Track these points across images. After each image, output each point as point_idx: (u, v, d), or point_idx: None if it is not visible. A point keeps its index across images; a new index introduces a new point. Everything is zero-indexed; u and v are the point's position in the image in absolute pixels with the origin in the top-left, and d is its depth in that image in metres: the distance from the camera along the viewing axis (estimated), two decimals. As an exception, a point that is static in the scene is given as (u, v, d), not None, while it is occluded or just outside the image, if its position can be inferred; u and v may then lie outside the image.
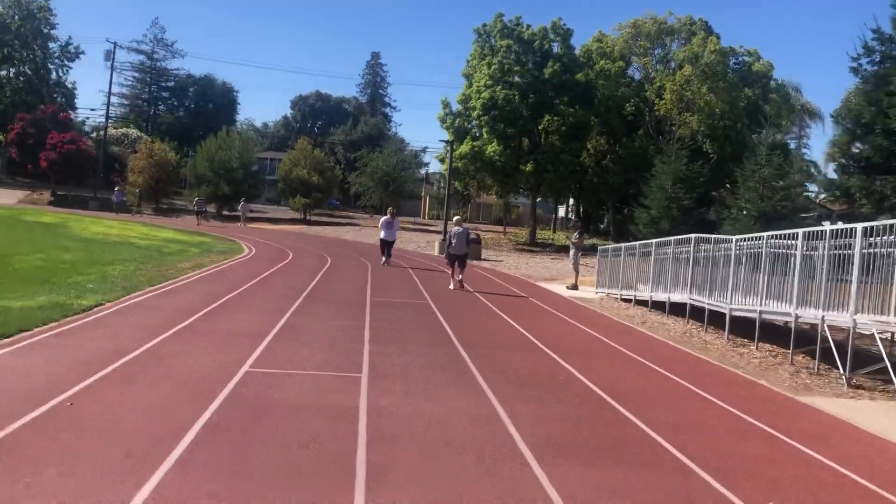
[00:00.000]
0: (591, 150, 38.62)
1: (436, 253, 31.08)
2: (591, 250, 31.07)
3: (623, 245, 16.18)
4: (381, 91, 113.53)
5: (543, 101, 35.34)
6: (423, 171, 73.41)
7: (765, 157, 24.98)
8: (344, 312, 11.05)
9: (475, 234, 30.75)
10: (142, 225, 34.00)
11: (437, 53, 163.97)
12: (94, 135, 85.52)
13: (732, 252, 11.08)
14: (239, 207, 50.03)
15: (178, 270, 15.49)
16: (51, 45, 79.66)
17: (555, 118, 36.46)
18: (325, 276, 17.17)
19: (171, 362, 6.80)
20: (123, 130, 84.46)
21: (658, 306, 14.45)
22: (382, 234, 21.59)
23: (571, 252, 19.15)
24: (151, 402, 5.47)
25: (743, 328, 11.14)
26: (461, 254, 16.43)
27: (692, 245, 12.65)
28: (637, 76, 40.80)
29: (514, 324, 11.29)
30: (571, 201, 63.69)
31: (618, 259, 16.80)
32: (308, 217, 54.62)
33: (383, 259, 21.15)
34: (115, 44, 76.03)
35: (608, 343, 10.22)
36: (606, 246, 18.74)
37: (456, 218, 18.09)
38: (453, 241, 16.44)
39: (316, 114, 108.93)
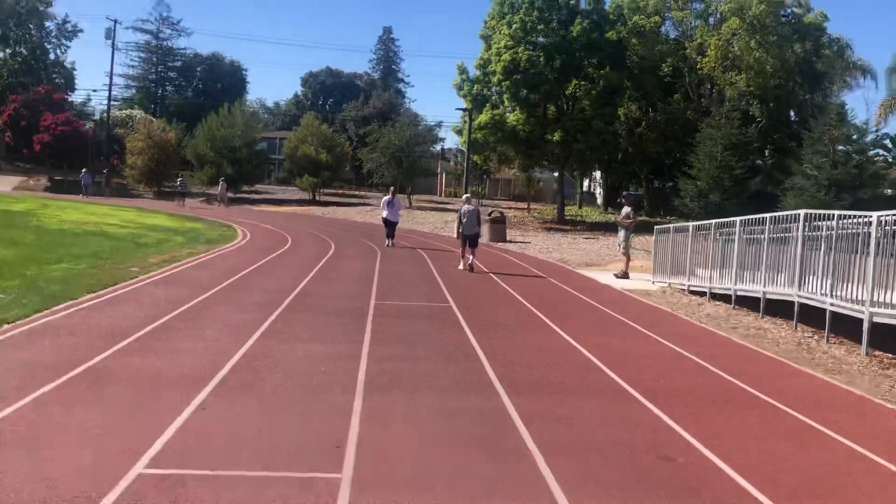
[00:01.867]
0: (622, 117, 35.27)
1: (455, 235, 28.11)
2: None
3: (691, 224, 13.12)
4: (394, 67, 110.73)
5: (571, 63, 32.00)
6: (438, 147, 70.21)
7: (835, 118, 21.69)
8: (336, 330, 8.14)
9: (499, 213, 27.78)
10: (132, 210, 31.29)
11: (451, 25, 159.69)
12: (96, 117, 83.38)
13: (873, 233, 8.00)
14: (219, 188, 47.50)
15: (142, 268, 12.68)
16: (48, 24, 77.06)
17: (583, 82, 33.16)
18: (324, 268, 14.27)
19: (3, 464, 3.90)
20: (128, 112, 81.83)
21: (742, 302, 11.42)
22: (384, 214, 21.10)
23: (621, 234, 16.09)
24: None
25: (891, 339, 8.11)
26: (472, 233, 15.58)
27: (800, 223, 9.56)
28: (673, 34, 37.29)
29: (569, 339, 8.33)
30: (598, 174, 60.37)
31: (682, 241, 13.74)
32: (317, 197, 51.76)
33: (387, 241, 20.69)
34: (115, 21, 73.03)
35: (720, 375, 7.22)
36: (666, 225, 15.67)
37: (466, 196, 17.16)
38: (464, 220, 15.58)
39: (327, 91, 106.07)
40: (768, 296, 10.44)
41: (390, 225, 20.97)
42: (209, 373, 5.90)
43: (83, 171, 47.71)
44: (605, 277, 15.67)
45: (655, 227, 15.58)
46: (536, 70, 31.48)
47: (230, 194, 51.81)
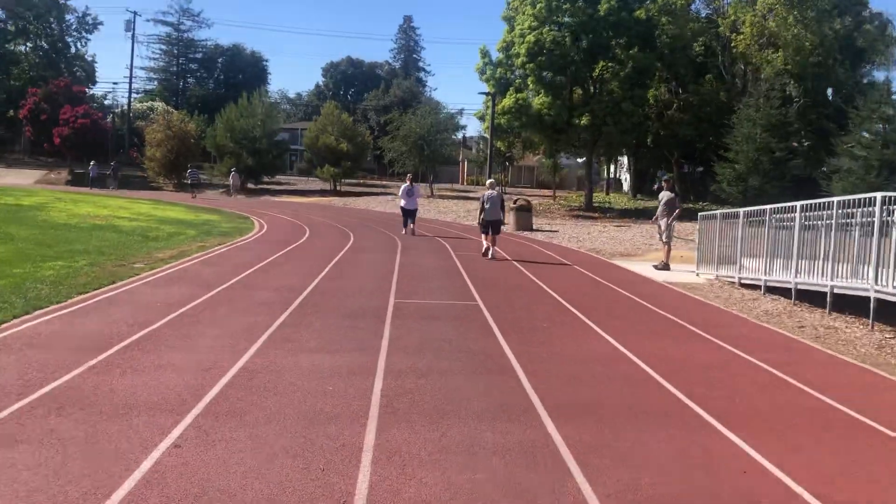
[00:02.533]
0: (651, 99, 33.84)
1: (477, 222, 27.04)
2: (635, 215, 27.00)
3: (742, 210, 11.91)
4: (414, 56, 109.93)
5: (598, 43, 30.65)
6: (459, 135, 69.03)
7: (885, 95, 20.27)
8: (349, 336, 7.13)
9: (524, 201, 26.65)
10: (148, 203, 30.59)
11: (471, 10, 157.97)
12: (117, 110, 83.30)
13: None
14: (230, 178, 47.01)
15: (147, 264, 11.82)
16: (68, 17, 76.84)
17: (610, 64, 31.79)
18: (341, 262, 13.29)
19: None
20: (149, 104, 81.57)
21: (804, 296, 10.24)
22: (402, 203, 20.67)
23: (662, 222, 14.90)
24: None
25: None
26: (495, 219, 15.28)
27: (877, 207, 8.36)
28: (703, 12, 35.70)
29: (616, 344, 7.26)
30: (624, 160, 58.81)
31: (731, 229, 12.53)
32: (338, 187, 50.91)
33: (404, 230, 20.47)
34: (135, 13, 73.14)
35: (803, 390, 6.11)
36: (712, 211, 14.45)
37: (489, 181, 16.84)
38: (487, 206, 15.22)
39: (348, 81, 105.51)
40: (836, 290, 9.26)
41: (409, 213, 20.59)
42: (193, 396, 4.93)
43: (91, 163, 47.16)
44: (644, 269, 14.53)
45: (699, 214, 14.37)
46: (562, 51, 30.18)
47: (251, 185, 51.27)
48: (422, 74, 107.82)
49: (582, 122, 29.59)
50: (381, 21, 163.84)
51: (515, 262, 14.61)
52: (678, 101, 34.64)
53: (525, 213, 25.07)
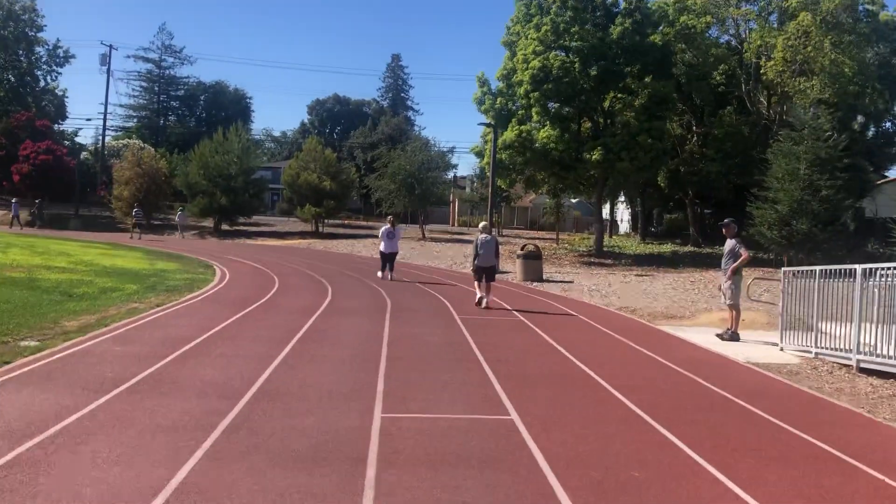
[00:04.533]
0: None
1: (470, 269, 23.88)
2: (655, 262, 23.74)
3: (858, 267, 8.79)
4: (402, 94, 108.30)
5: (610, 70, 27.91)
6: (451, 174, 66.34)
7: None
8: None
9: (533, 247, 23.59)
10: (101, 248, 27.26)
11: (461, 48, 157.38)
12: (90, 147, 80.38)
13: None
14: (176, 216, 44.96)
15: (42, 339, 8.65)
16: (38, 49, 74.12)
17: (619, 94, 29.10)
18: (309, 335, 10.03)
19: None
20: (125, 142, 78.63)
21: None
22: (382, 246, 19.73)
23: (726, 283, 11.72)
24: None
25: None
26: (490, 266, 14.40)
27: None
28: (724, 37, 33.19)
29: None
30: (621, 200, 56.00)
31: (839, 290, 9.36)
32: (321, 229, 47.74)
33: (380, 273, 19.70)
34: (110, 46, 70.57)
35: None
36: (798, 268, 11.31)
37: (482, 224, 15.56)
38: (480, 252, 14.43)
39: (335, 118, 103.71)
40: None
41: (388, 258, 19.62)
42: None
43: (13, 200, 43.84)
44: (705, 338, 11.35)
45: (784, 270, 11.19)
46: (570, 78, 27.40)
47: (225, 226, 48.00)
48: (410, 113, 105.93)
49: (594, 156, 26.65)
50: (369, 59, 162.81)
51: (540, 331, 11.40)
52: (695, 135, 31.96)
53: (534, 262, 21.94)
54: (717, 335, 11.53)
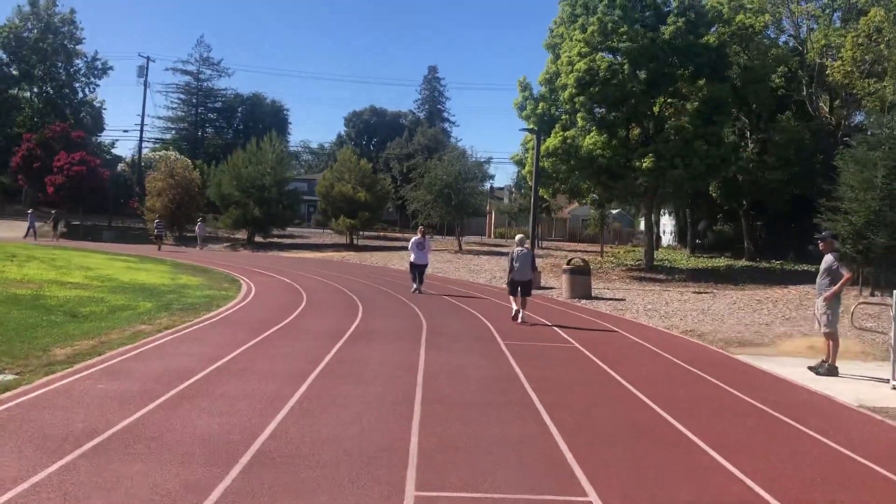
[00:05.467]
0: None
1: (506, 282, 22.31)
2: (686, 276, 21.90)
3: None
4: (439, 106, 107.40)
5: (661, 72, 26.21)
6: (487, 184, 64.90)
7: None
8: None
9: (580, 261, 21.97)
10: (125, 261, 26.29)
11: (498, 58, 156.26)
12: (128, 158, 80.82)
13: None
14: (196, 228, 44.25)
15: (23, 372, 7.35)
16: (76, 61, 74.68)
17: (670, 99, 27.35)
18: (331, 368, 8.60)
19: None
20: (162, 153, 78.86)
21: None
22: (412, 258, 19.45)
23: (822, 307, 10.00)
24: None
25: None
26: (525, 280, 14.07)
27: None
28: (782, 38, 31.22)
29: None
30: (663, 212, 53.93)
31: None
32: (355, 241, 46.62)
33: (414, 286, 19.12)
34: (148, 58, 70.94)
35: None
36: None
37: (519, 237, 15.01)
38: (516, 266, 14.05)
39: (371, 130, 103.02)
40: None
41: (419, 268, 19.34)
42: None
43: (29, 211, 42.63)
44: (795, 372, 9.66)
45: (897, 292, 9.46)
46: (619, 80, 25.77)
47: (258, 238, 47.14)
48: (447, 125, 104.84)
49: (645, 163, 24.93)
50: (406, 69, 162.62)
51: (600, 362, 9.83)
52: (751, 141, 30.04)
53: (582, 277, 20.31)
54: (811, 368, 9.82)
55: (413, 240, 19.51)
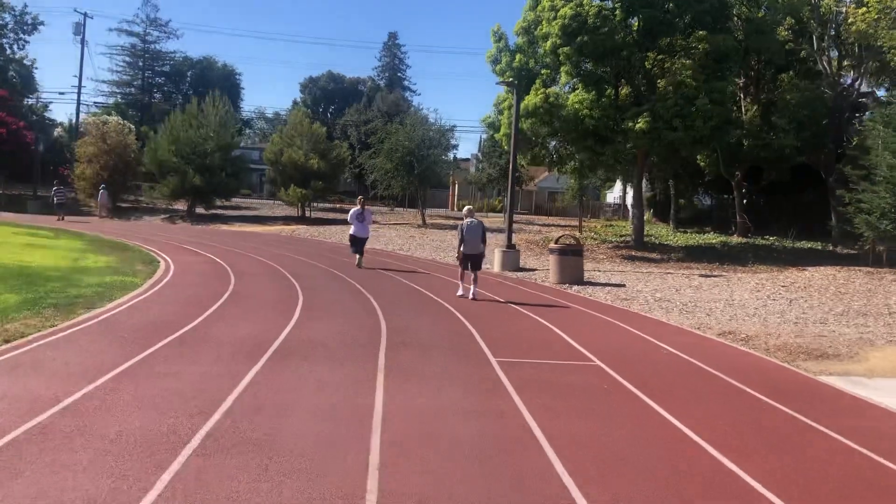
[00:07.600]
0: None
1: (495, 269, 19.17)
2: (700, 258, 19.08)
3: None
4: (399, 74, 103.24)
5: (657, 20, 23.03)
6: (451, 155, 61.46)
7: None
8: None
9: (572, 239, 18.96)
10: (33, 236, 22.43)
11: (460, 22, 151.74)
12: (64, 123, 75.69)
13: None
14: (99, 196, 40.42)
15: None
16: (4, 15, 69.01)
17: (659, 56, 24.12)
18: (228, 426, 5.25)
19: None
20: (104, 118, 73.60)
21: None
22: (353, 230, 18.38)
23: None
24: None
25: None
26: (477, 253, 13.43)
27: None
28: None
29: None
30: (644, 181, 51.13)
31: None
32: (308, 213, 42.91)
33: (358, 260, 17.90)
34: (84, 14, 65.94)
35: None
36: None
37: (467, 208, 14.32)
38: (466, 238, 13.34)
39: (329, 97, 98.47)
40: None
41: (359, 242, 18.16)
42: None
43: None
44: (869, 393, 6.67)
45: None
46: (610, 28, 22.51)
47: (200, 210, 43.16)
48: (408, 94, 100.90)
49: (639, 125, 21.79)
50: (365, 31, 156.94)
51: (643, 395, 6.68)
52: (754, 101, 27.12)
53: (573, 258, 17.16)
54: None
55: (352, 211, 18.49)
